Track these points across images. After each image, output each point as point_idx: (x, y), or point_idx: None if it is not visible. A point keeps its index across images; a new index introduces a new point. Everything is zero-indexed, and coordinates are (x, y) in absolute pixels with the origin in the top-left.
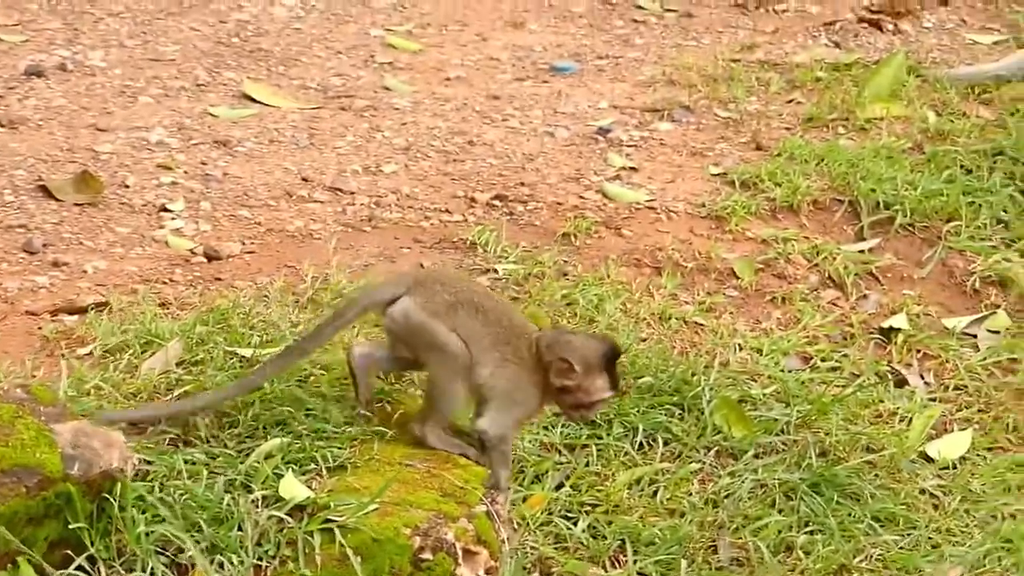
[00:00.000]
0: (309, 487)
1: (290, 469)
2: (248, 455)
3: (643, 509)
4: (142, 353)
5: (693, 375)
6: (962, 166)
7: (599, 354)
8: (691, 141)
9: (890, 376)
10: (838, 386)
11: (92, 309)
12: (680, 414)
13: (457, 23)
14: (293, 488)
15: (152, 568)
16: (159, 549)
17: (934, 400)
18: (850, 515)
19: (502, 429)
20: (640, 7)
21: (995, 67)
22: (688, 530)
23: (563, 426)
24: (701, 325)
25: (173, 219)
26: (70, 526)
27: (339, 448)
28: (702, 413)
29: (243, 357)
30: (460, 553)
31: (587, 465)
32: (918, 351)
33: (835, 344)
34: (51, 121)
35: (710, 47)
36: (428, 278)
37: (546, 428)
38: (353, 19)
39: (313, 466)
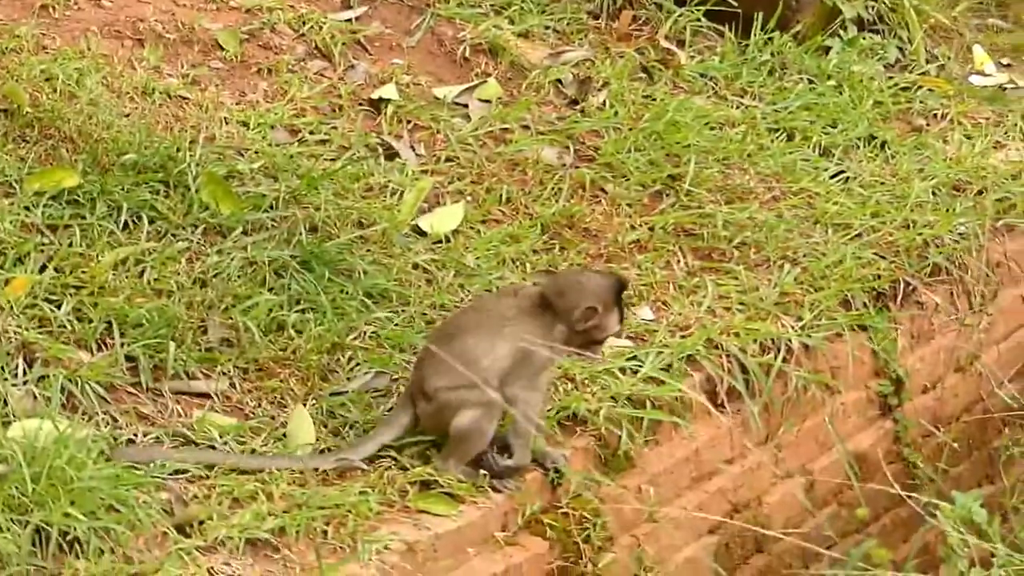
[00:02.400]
0: None
1: None
2: None
3: (130, 290)
4: None
5: (178, 151)
6: None
7: (614, 291)
8: None
9: (380, 148)
10: (327, 160)
11: None
12: (166, 191)
13: None
14: None
15: None
16: None
17: (426, 172)
18: (343, 292)
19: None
20: None
21: None
22: (176, 310)
23: (44, 206)
24: (186, 99)
25: None
26: None
27: None
28: (188, 190)
29: None
30: None
31: (71, 246)
32: (408, 122)
33: (323, 116)
34: None
35: None
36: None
37: (27, 208)
38: None
39: None
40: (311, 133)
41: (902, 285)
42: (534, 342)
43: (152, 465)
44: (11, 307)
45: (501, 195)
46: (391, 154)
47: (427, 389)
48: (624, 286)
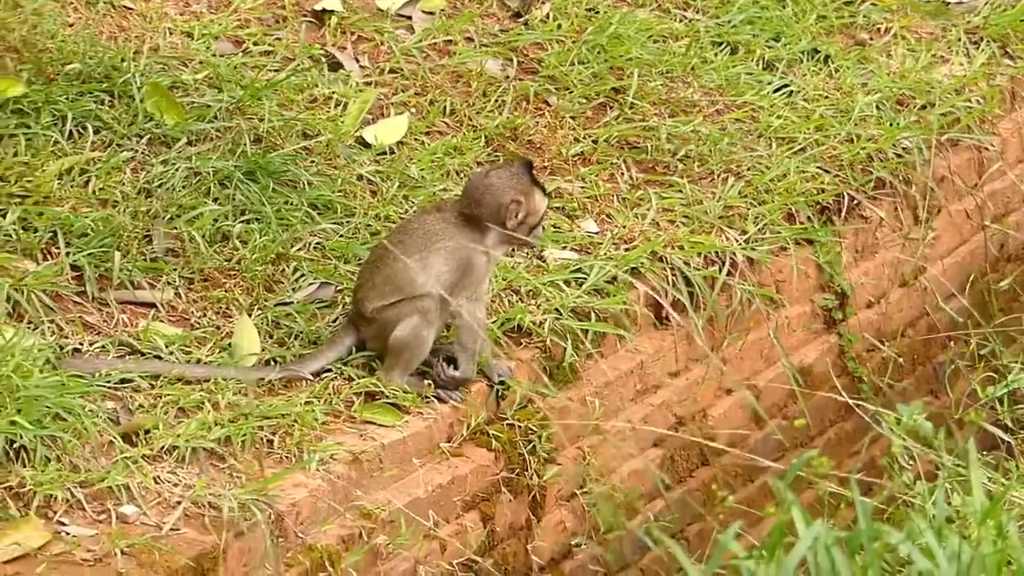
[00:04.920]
0: None
1: None
2: None
3: (75, 200)
4: None
5: (123, 61)
6: None
7: (525, 174)
8: None
9: (324, 59)
10: (271, 71)
11: None
12: (110, 101)
13: None
14: None
15: None
16: None
17: (369, 84)
18: (287, 203)
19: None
20: None
21: None
22: (121, 220)
23: None
24: (130, 9)
25: None
26: None
27: None
28: (133, 100)
29: None
30: None
31: (15, 155)
32: (352, 33)
33: (267, 27)
34: None
35: None
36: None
37: None
38: None
39: None
40: (255, 44)
41: (846, 199)
42: (473, 251)
43: (98, 374)
44: None
45: (445, 107)
46: (335, 65)
47: (366, 312)
48: (530, 164)
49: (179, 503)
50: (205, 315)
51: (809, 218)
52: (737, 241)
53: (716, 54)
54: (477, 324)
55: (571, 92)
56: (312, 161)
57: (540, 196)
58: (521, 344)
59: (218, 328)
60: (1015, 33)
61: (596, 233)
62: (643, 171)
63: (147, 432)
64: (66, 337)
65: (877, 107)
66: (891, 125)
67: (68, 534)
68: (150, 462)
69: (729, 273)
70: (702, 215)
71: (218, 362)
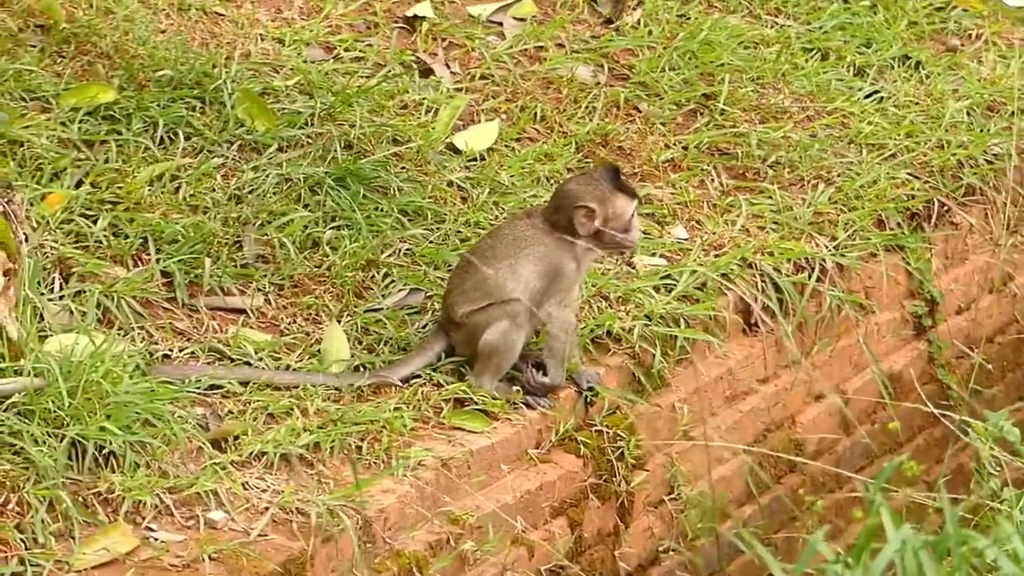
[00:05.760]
0: None
1: None
2: None
3: (165, 206)
4: None
5: (214, 67)
6: None
7: (606, 180)
8: None
9: (415, 66)
10: (362, 77)
11: None
12: (201, 108)
13: None
14: None
15: None
16: None
17: (460, 90)
18: (377, 209)
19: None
20: None
21: None
22: (212, 226)
23: (80, 121)
24: (221, 15)
25: None
26: None
27: None
28: (224, 106)
29: None
30: None
31: (106, 162)
32: (443, 40)
33: (359, 34)
34: None
35: None
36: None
37: (64, 124)
38: None
39: None
40: (346, 50)
41: (936, 205)
42: (562, 257)
43: (187, 380)
44: (48, 222)
45: (535, 113)
46: (426, 72)
47: (455, 317)
48: (615, 169)
49: (267, 509)
50: (295, 321)
51: (899, 224)
52: (827, 247)
53: (807, 60)
54: (566, 330)
55: (662, 98)
56: (402, 167)
57: (624, 200)
58: (610, 350)
59: (308, 334)
60: None
61: (686, 239)
62: (733, 177)
63: (236, 438)
64: (156, 343)
65: (968, 113)
66: (981, 131)
67: (156, 540)
68: (239, 468)
69: (819, 279)
70: (792, 221)
71: (307, 368)
